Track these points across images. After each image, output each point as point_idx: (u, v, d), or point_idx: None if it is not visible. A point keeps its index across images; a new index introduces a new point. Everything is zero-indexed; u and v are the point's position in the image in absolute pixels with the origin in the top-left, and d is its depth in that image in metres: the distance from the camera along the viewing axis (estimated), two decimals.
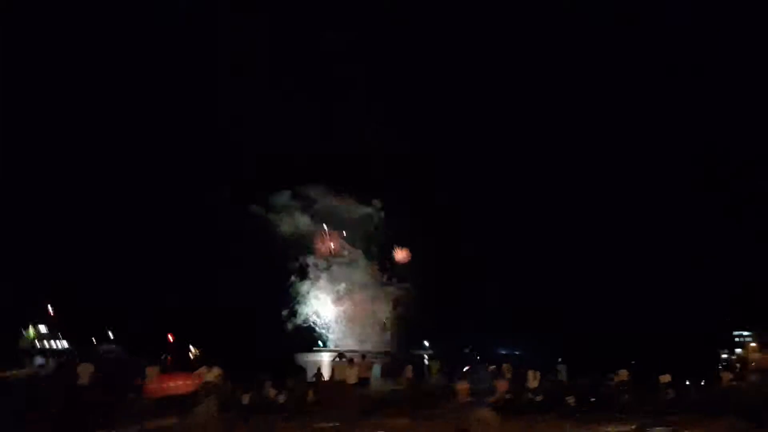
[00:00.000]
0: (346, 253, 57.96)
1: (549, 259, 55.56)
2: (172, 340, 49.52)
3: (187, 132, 54.94)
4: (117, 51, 54.99)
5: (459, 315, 55.13)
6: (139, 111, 54.99)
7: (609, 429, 11.45)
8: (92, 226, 53.55)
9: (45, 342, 53.65)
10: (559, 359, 21.34)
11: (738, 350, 56.56)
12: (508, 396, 13.70)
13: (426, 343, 60.10)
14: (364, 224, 58.26)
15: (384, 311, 56.55)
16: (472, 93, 57.98)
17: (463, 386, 10.87)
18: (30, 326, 56.20)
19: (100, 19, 54.93)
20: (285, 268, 56.78)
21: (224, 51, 50.99)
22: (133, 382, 13.51)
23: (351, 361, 16.84)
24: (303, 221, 57.79)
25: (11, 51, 50.13)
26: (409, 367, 16.37)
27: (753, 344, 56.34)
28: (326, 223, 57.85)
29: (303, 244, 57.77)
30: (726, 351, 55.98)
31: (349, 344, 54.11)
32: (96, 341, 53.17)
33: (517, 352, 55.66)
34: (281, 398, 13.68)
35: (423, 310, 54.56)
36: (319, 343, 56.38)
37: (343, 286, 57.22)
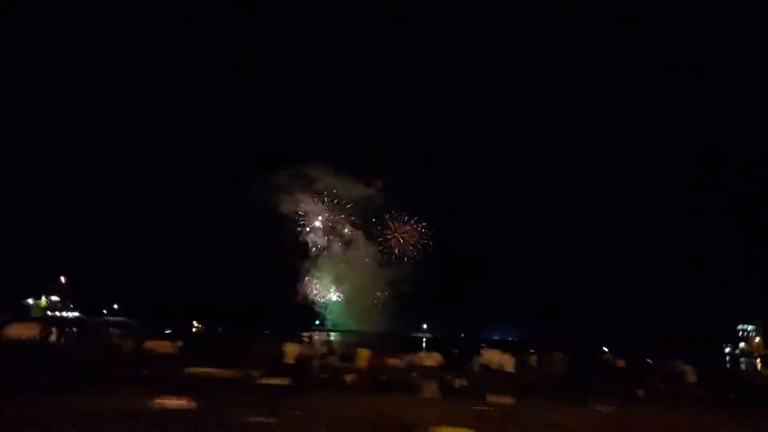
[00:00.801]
0: (346, 232, 57.38)
1: (553, 251, 55.68)
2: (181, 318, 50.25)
3: (189, 117, 55.22)
4: (118, 51, 55.07)
5: (458, 299, 55.00)
6: (141, 109, 55.28)
7: None
8: (103, 206, 54.71)
9: (57, 312, 54.99)
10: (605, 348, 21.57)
11: (741, 344, 56.08)
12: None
13: (425, 326, 59.73)
14: (364, 204, 57.53)
15: (382, 292, 56.05)
16: (472, 92, 57.94)
17: None
18: (42, 296, 57.49)
19: (101, 20, 54.88)
20: (285, 247, 56.30)
21: (224, 51, 51.01)
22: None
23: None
24: (303, 200, 57.12)
25: (13, 51, 50.07)
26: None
27: (757, 339, 55.83)
28: (327, 202, 57.22)
29: (303, 223, 57.20)
30: (730, 345, 55.52)
31: (348, 324, 53.81)
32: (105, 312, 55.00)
33: (510, 338, 55.63)
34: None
35: (422, 292, 54.23)
36: (316, 322, 56.06)
37: (342, 266, 56.73)
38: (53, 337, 16.22)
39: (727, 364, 34.44)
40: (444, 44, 56.93)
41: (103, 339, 18.62)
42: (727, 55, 55.72)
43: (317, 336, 34.39)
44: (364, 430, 6.95)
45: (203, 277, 51.80)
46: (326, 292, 56.92)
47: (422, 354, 15.83)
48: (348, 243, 57.14)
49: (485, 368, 14.09)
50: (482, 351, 15.55)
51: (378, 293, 55.61)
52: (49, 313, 53.63)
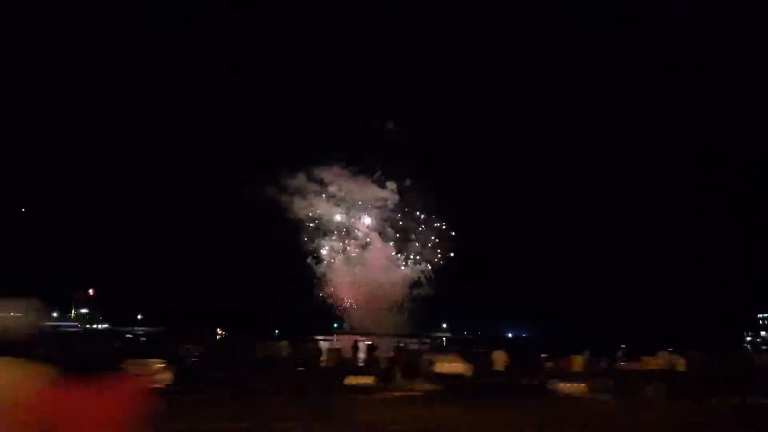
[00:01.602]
0: (361, 234, 57.66)
1: (566, 250, 55.65)
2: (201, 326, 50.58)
3: (192, 118, 55.41)
4: (118, 51, 55.46)
5: (477, 299, 55.05)
6: (142, 109, 55.61)
7: None
8: (122, 217, 55.24)
9: (87, 324, 55.36)
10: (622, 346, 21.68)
11: (763, 333, 55.82)
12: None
13: (444, 326, 59.91)
14: (379, 206, 57.77)
15: (400, 294, 56.26)
16: (472, 92, 57.91)
17: None
18: (73, 309, 57.93)
19: (101, 20, 55.34)
20: (300, 251, 56.65)
21: (224, 51, 51.12)
22: None
23: None
24: (318, 204, 57.43)
25: (15, 52, 50.66)
26: None
27: None
28: (342, 206, 57.52)
29: (318, 227, 57.52)
30: (751, 333, 55.27)
31: (367, 327, 54.01)
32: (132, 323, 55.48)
33: (524, 335, 55.76)
34: None
35: (441, 292, 54.39)
36: (335, 325, 56.37)
37: (358, 268, 56.97)
38: None
39: (748, 352, 34.45)
40: (444, 44, 56.88)
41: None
42: (727, 55, 55.40)
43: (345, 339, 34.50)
44: None
45: (219, 283, 51.98)
46: (343, 294, 57.22)
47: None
48: (364, 245, 57.46)
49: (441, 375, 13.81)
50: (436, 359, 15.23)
51: (396, 295, 55.89)
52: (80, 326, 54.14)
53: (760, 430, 8.92)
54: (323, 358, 17.07)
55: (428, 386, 12.11)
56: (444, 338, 50.69)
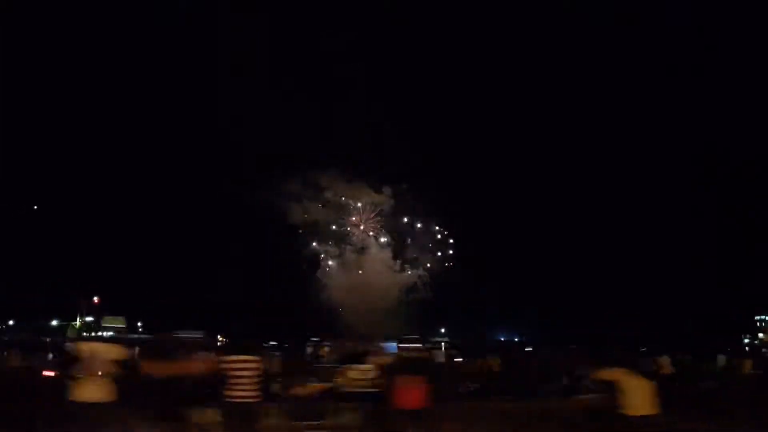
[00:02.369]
0: (357, 239, 57.40)
1: (561, 251, 55.57)
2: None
3: (192, 122, 55.23)
4: (119, 51, 55.26)
5: (473, 302, 54.94)
6: (143, 110, 55.39)
7: None
8: (117, 223, 54.95)
9: (92, 332, 54.70)
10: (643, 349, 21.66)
11: (760, 335, 55.72)
12: None
13: (443, 330, 59.62)
14: (375, 210, 57.55)
15: (397, 299, 55.96)
16: (472, 91, 57.94)
17: None
18: (77, 317, 57.36)
19: (101, 20, 55.15)
20: (296, 257, 56.33)
21: (224, 51, 50.88)
22: None
23: None
24: (313, 209, 57.15)
25: (15, 52, 50.37)
26: None
27: None
28: (337, 210, 57.26)
29: (314, 232, 57.23)
30: (748, 336, 55.15)
31: (363, 332, 53.62)
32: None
33: (516, 339, 55.60)
34: None
35: (437, 297, 54.16)
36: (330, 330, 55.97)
37: (355, 272, 56.68)
38: None
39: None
40: (444, 44, 56.86)
41: None
42: (727, 55, 55.48)
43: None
44: None
45: (219, 289, 51.76)
46: (338, 299, 56.93)
47: None
48: (360, 250, 57.21)
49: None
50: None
51: (392, 299, 55.59)
52: (84, 334, 53.58)
53: None
54: None
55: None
56: (435, 342, 50.32)
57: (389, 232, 57.32)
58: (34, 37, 56.22)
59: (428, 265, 56.18)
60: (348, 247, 57.07)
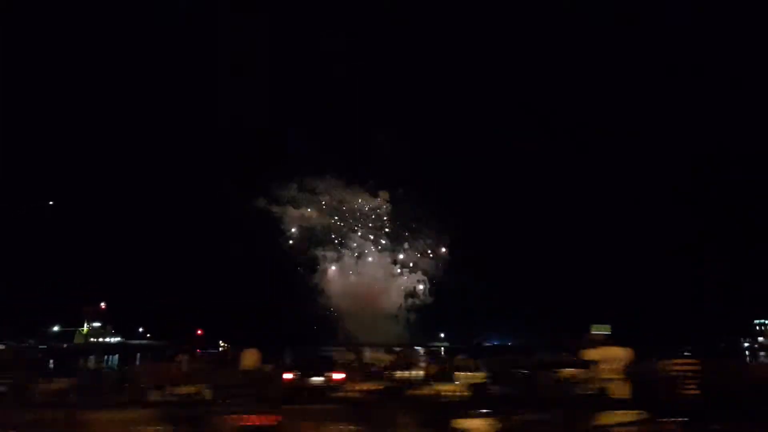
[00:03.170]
0: (355, 244, 57.18)
1: (558, 252, 55.41)
2: (200, 334, 50.43)
3: (190, 127, 55.04)
4: (118, 51, 55.11)
5: (470, 306, 54.74)
6: (142, 116, 55.23)
7: None
8: (118, 229, 54.27)
9: (99, 338, 54.25)
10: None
11: (760, 338, 55.59)
12: None
13: (442, 335, 59.35)
14: (373, 215, 57.38)
15: (395, 303, 55.73)
16: (469, 93, 57.89)
17: None
18: (85, 323, 56.87)
19: (103, 20, 55.02)
20: (293, 262, 56.09)
21: (223, 55, 50.78)
22: None
23: None
24: (310, 214, 56.97)
25: (15, 52, 50.12)
26: None
27: None
28: (334, 216, 57.10)
29: (311, 237, 57.02)
30: (748, 339, 55.00)
31: (361, 337, 53.34)
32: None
33: (509, 343, 55.32)
34: None
35: (437, 302, 53.96)
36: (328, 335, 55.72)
37: (353, 278, 56.45)
38: None
39: (747, 358, 34.13)
40: (443, 44, 56.84)
41: None
42: (727, 55, 55.45)
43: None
44: None
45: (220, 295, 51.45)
46: (336, 304, 56.67)
47: None
48: (359, 255, 56.98)
49: None
50: None
51: (391, 305, 55.38)
52: (92, 339, 53.14)
53: None
54: None
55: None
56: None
57: (388, 237, 57.21)
58: (32, 39, 56.03)
59: (427, 270, 56.07)
60: (346, 251, 56.97)
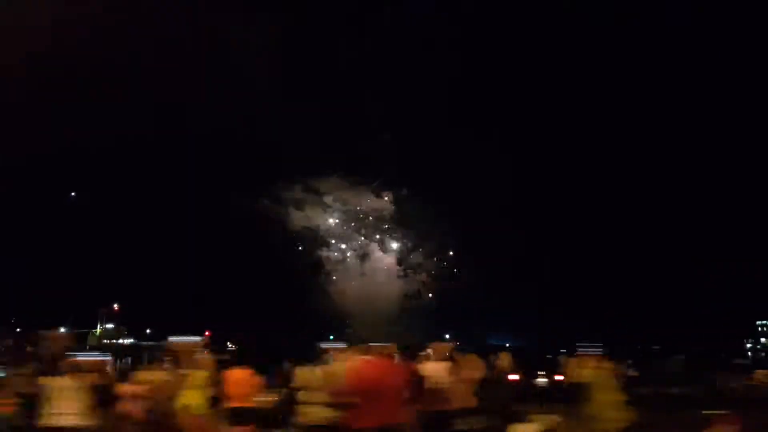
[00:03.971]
0: (360, 244, 57.54)
1: (568, 251, 55.29)
2: (208, 335, 50.65)
3: (193, 131, 55.10)
4: (119, 51, 55.15)
5: (475, 307, 54.85)
6: (148, 120, 55.23)
7: None
8: (125, 231, 54.23)
9: (113, 340, 54.40)
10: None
11: (763, 339, 55.60)
12: None
13: (447, 336, 59.58)
14: (377, 216, 57.70)
15: (401, 304, 56.09)
16: (467, 94, 57.69)
17: None
18: (99, 324, 57.16)
19: (109, 21, 55.09)
20: (298, 262, 56.45)
21: (228, 58, 50.79)
22: None
23: None
24: (315, 215, 57.36)
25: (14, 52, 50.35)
26: None
27: None
28: (339, 217, 57.47)
29: (316, 238, 57.41)
30: (751, 340, 55.04)
31: (366, 337, 53.47)
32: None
33: (507, 344, 55.43)
34: None
35: (441, 302, 54.16)
36: (331, 336, 56.05)
37: (358, 278, 56.82)
38: None
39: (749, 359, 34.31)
40: (442, 43, 56.72)
41: None
42: (727, 55, 55.27)
43: None
44: None
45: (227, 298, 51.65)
46: (341, 305, 57.04)
47: None
48: (363, 256, 57.33)
49: None
50: None
51: (396, 305, 55.70)
52: (105, 341, 53.21)
53: None
54: None
55: None
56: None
57: (392, 238, 57.51)
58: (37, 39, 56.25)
59: (432, 271, 56.31)
60: (351, 253, 57.29)
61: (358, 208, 57.38)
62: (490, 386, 7.67)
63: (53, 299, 47.52)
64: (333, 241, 57.35)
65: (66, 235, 52.12)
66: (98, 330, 56.49)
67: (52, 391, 6.20)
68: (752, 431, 7.10)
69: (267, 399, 8.88)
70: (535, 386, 18.47)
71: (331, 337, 55.96)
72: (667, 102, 55.36)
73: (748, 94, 53.85)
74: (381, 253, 57.20)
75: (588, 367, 7.23)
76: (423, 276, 56.41)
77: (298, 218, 56.55)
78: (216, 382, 6.87)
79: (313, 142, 52.90)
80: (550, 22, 55.42)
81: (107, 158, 54.85)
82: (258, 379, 7.56)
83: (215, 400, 6.76)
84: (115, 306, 57.10)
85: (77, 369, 6.42)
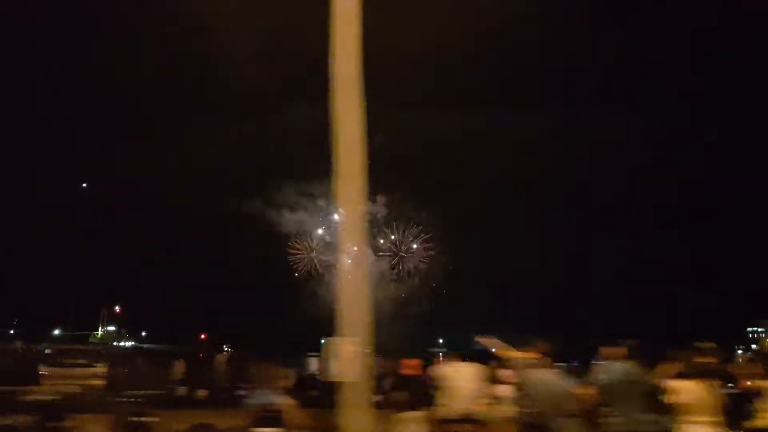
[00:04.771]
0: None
1: (561, 255, 55.27)
2: (204, 338, 50.70)
3: (192, 131, 54.89)
4: (118, 51, 54.94)
5: (466, 310, 54.81)
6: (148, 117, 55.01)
7: None
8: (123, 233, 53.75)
9: (114, 342, 53.80)
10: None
11: (753, 346, 55.75)
12: None
13: (441, 341, 59.41)
14: (370, 219, 57.49)
15: (395, 308, 55.83)
16: (467, 94, 57.62)
17: None
18: (100, 326, 56.46)
19: (102, 21, 54.87)
20: (287, 267, 56.11)
21: (219, 55, 50.51)
22: None
23: None
24: (306, 218, 57.03)
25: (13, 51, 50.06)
26: None
27: None
28: (331, 220, 57.22)
29: (308, 241, 57.07)
30: (741, 347, 55.14)
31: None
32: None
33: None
34: None
35: (434, 306, 53.92)
36: (322, 341, 55.62)
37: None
38: None
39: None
40: (441, 43, 56.65)
41: None
42: (727, 55, 55.33)
43: None
44: None
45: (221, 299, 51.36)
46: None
47: None
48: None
49: None
50: None
51: (390, 309, 55.46)
52: (107, 343, 52.79)
53: None
54: None
55: None
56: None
57: (385, 242, 57.27)
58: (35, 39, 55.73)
59: (425, 275, 56.08)
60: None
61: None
62: None
63: (54, 300, 47.18)
64: (326, 245, 57.12)
65: (66, 235, 51.88)
66: (99, 333, 55.92)
67: None
68: None
69: None
70: None
71: (323, 342, 56.07)
72: (665, 101, 55.36)
73: (747, 94, 53.95)
74: (374, 256, 57.00)
75: None
76: (416, 280, 56.25)
77: (289, 220, 56.19)
78: None
79: (304, 142, 52.72)
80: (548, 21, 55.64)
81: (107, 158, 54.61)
82: None
83: None
84: (117, 308, 56.59)
85: None
